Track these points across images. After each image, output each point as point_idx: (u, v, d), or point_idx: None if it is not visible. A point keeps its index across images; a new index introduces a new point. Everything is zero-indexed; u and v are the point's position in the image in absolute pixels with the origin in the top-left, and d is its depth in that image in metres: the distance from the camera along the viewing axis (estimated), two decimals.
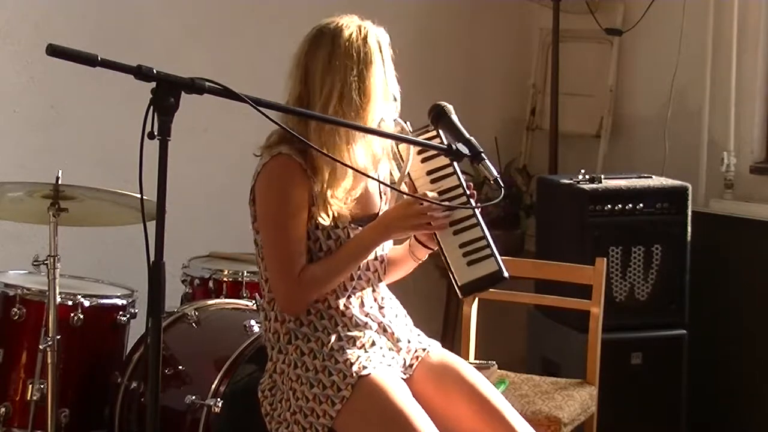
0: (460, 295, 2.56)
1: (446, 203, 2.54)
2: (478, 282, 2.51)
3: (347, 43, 2.53)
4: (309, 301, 2.56)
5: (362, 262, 2.59)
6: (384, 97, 2.56)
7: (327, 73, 2.52)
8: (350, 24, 2.57)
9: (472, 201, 2.56)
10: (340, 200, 2.53)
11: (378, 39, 2.57)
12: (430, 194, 2.55)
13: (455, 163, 2.57)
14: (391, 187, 2.64)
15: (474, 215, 2.54)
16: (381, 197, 2.71)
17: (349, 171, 2.52)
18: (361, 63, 2.52)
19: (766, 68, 4.39)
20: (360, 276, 2.63)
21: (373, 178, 2.60)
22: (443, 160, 2.58)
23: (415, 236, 2.66)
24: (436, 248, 2.61)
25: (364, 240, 2.56)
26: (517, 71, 5.22)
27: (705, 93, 4.50)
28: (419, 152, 2.62)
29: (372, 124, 2.53)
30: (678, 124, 4.60)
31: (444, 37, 5.02)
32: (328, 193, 2.51)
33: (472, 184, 2.59)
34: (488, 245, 2.51)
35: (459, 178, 2.56)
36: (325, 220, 2.51)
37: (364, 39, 2.54)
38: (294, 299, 2.54)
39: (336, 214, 2.53)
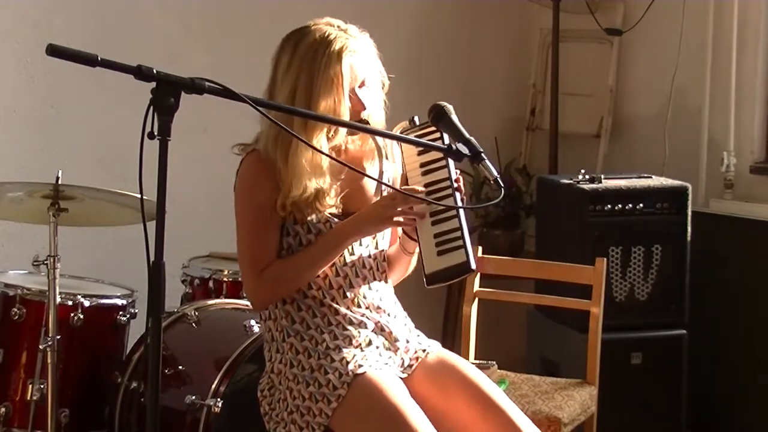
0: (425, 284, 2.52)
1: (421, 196, 2.51)
2: (444, 272, 2.50)
3: (306, 48, 2.52)
4: (274, 296, 2.57)
5: (335, 257, 2.57)
6: (334, 107, 2.51)
7: (285, 74, 2.53)
8: (319, 28, 2.55)
9: (458, 195, 2.54)
10: (293, 200, 2.52)
11: (342, 47, 2.52)
12: (418, 186, 2.54)
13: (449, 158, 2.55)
14: (369, 176, 2.64)
15: (455, 208, 2.52)
16: (380, 192, 2.70)
17: (298, 173, 2.50)
18: (312, 68, 2.50)
19: (766, 68, 4.39)
20: (357, 274, 2.63)
21: (351, 166, 2.56)
22: (438, 153, 2.57)
23: (402, 229, 2.65)
24: None
25: (337, 236, 2.56)
26: (517, 71, 5.22)
27: (705, 93, 4.50)
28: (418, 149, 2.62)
29: (318, 129, 2.50)
30: (678, 124, 4.60)
31: (444, 37, 5.02)
32: (286, 192, 2.51)
33: (461, 178, 2.58)
34: (461, 237, 2.49)
35: (449, 170, 2.55)
36: (290, 218, 2.53)
37: (325, 45, 2.52)
38: (256, 293, 2.57)
39: (300, 211, 2.53)
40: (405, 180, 2.61)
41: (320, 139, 2.53)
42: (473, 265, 2.48)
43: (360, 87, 2.57)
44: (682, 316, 4.01)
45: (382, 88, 2.64)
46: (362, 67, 2.57)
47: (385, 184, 2.64)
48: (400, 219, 2.52)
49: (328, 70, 2.51)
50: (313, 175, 2.52)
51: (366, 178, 2.65)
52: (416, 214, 2.52)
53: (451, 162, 2.56)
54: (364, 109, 2.58)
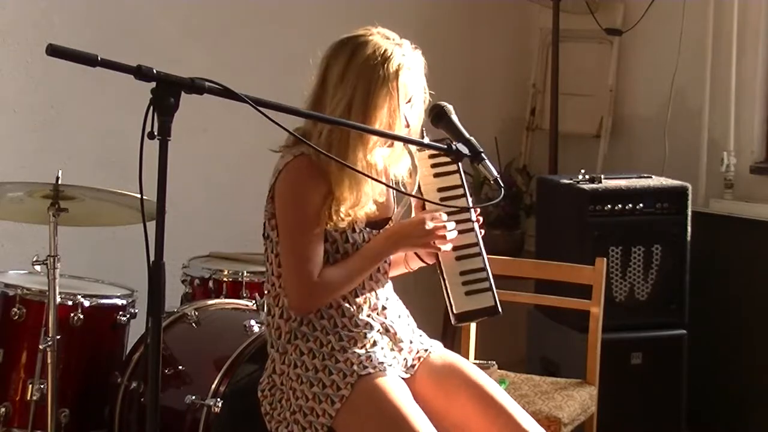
0: (453, 322, 2.61)
1: (450, 205, 2.57)
2: (473, 313, 2.61)
3: (362, 61, 2.50)
4: (322, 305, 2.56)
5: (373, 270, 2.61)
6: (389, 122, 2.51)
7: (339, 83, 2.52)
8: (377, 42, 2.53)
9: (477, 226, 2.60)
10: (346, 207, 2.52)
11: (399, 65, 2.51)
12: (439, 214, 2.58)
13: (465, 185, 2.61)
14: (405, 193, 2.64)
15: (477, 243, 2.59)
16: (394, 200, 2.72)
17: (355, 181, 2.51)
18: (370, 83, 2.49)
19: (766, 68, 4.40)
20: (371, 277, 2.64)
21: (385, 184, 2.60)
22: (455, 180, 2.62)
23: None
24: (431, 263, 2.66)
25: (377, 250, 2.58)
26: (517, 71, 5.22)
27: (705, 93, 4.50)
28: (432, 165, 2.64)
29: (372, 145, 2.53)
30: (678, 124, 4.60)
31: (444, 37, 5.02)
32: (340, 200, 2.51)
33: (479, 209, 2.63)
34: (487, 278, 2.58)
35: (467, 200, 2.60)
36: (331, 225, 2.52)
37: (382, 62, 2.50)
38: (309, 302, 2.54)
39: (343, 220, 2.53)
40: (421, 204, 2.64)
41: (374, 152, 2.56)
42: (500, 310, 2.58)
43: (407, 103, 2.56)
44: (682, 316, 4.01)
45: (424, 104, 2.63)
46: (413, 84, 2.56)
47: (421, 198, 2.62)
48: (429, 243, 2.56)
49: (386, 86, 2.50)
50: (370, 184, 2.53)
51: (386, 190, 2.67)
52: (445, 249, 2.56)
53: (467, 190, 2.61)
54: (408, 127, 2.57)
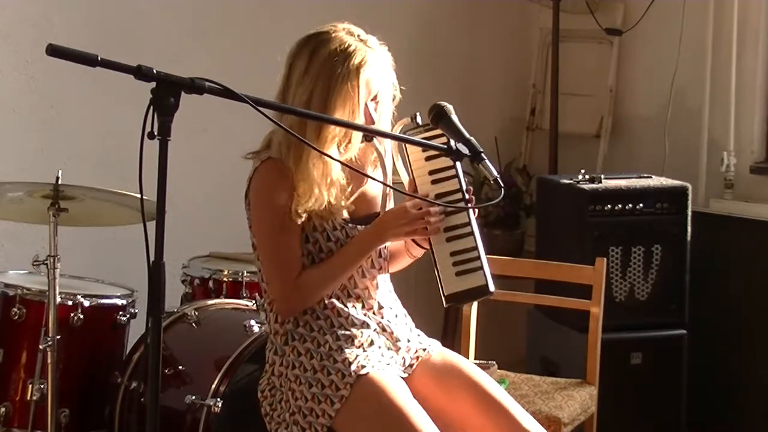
0: (444, 304, 2.55)
1: (441, 202, 2.53)
2: (463, 294, 2.52)
3: (324, 58, 2.49)
4: (307, 305, 2.56)
5: (359, 265, 2.58)
6: (349, 120, 2.49)
7: (300, 80, 2.50)
8: (340, 38, 2.52)
9: (469, 206, 2.55)
10: (303, 208, 2.50)
11: (361, 62, 2.49)
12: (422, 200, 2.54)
13: (459, 167, 2.56)
14: (385, 184, 2.64)
15: (469, 223, 2.53)
16: (385, 197, 2.69)
17: (309, 182, 2.49)
18: (330, 80, 2.47)
19: (766, 68, 4.40)
20: (364, 274, 2.63)
21: (372, 177, 2.60)
22: (446, 161, 2.57)
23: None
24: (429, 247, 2.61)
25: (361, 244, 2.56)
26: (517, 71, 5.22)
27: (705, 93, 4.50)
28: (424, 149, 2.61)
29: (330, 141, 2.50)
30: (678, 124, 4.60)
31: (444, 37, 5.02)
32: (299, 200, 2.49)
33: (472, 188, 2.59)
34: (478, 257, 2.50)
35: (460, 182, 2.55)
36: (301, 223, 2.51)
37: (343, 59, 2.48)
38: (291, 303, 2.55)
39: (300, 216, 2.51)
40: (413, 186, 2.59)
41: (331, 151, 2.52)
42: (492, 288, 2.49)
43: (372, 100, 2.55)
44: (682, 316, 4.01)
45: (393, 101, 2.62)
46: (378, 81, 2.54)
47: (398, 190, 2.60)
48: (417, 230, 2.52)
49: (345, 84, 2.48)
50: (325, 185, 2.51)
51: (369, 185, 2.65)
52: (432, 233, 2.51)
53: (460, 172, 2.56)
54: (373, 124, 2.56)
